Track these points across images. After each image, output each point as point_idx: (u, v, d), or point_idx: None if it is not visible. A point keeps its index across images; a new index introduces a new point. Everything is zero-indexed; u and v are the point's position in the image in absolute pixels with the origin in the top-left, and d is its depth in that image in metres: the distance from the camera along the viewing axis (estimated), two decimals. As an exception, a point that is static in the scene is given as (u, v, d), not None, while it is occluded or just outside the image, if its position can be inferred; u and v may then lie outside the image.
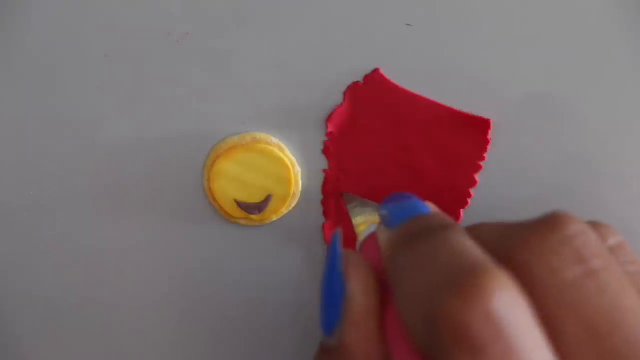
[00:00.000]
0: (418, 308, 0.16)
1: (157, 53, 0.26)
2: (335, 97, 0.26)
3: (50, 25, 0.26)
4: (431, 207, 0.20)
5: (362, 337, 0.17)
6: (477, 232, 0.18)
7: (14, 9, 0.26)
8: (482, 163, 0.26)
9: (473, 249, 0.16)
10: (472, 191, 0.27)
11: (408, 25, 0.26)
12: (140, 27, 0.26)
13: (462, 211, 0.26)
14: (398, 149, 0.26)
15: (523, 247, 0.16)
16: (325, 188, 0.27)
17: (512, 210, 0.26)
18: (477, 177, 0.26)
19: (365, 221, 0.27)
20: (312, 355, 0.28)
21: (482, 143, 0.26)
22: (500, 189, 0.27)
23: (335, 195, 0.27)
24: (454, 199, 0.26)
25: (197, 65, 0.26)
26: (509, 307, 0.15)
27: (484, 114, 0.26)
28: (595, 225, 0.18)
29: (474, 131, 0.26)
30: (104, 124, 0.27)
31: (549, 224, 0.17)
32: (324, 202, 0.27)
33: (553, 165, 0.26)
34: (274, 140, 0.26)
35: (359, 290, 0.18)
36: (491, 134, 0.26)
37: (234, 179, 0.26)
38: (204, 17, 0.26)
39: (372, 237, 0.20)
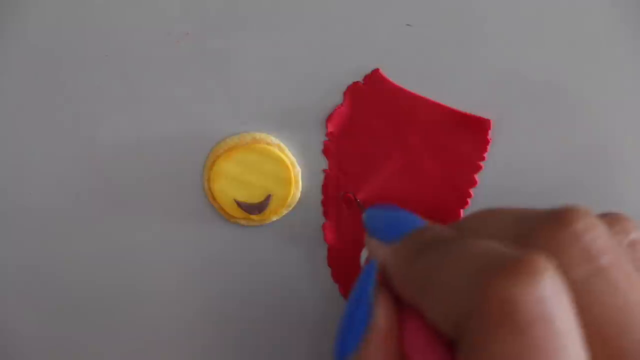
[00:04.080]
0: (452, 300, 0.15)
1: (156, 53, 0.26)
2: (335, 97, 0.26)
3: (50, 25, 0.26)
4: (424, 220, 0.20)
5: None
6: (485, 225, 0.18)
7: (14, 9, 0.26)
8: (482, 163, 0.26)
9: (500, 245, 0.16)
10: (472, 191, 0.26)
11: (408, 25, 0.26)
12: (140, 27, 0.26)
13: (462, 211, 0.26)
14: (398, 149, 0.26)
15: (531, 245, 0.16)
16: (325, 188, 0.27)
17: (512, 210, 0.26)
18: (477, 177, 0.26)
19: None
20: (311, 354, 0.28)
21: (482, 143, 0.26)
22: (500, 189, 0.27)
23: (335, 195, 0.27)
24: (454, 199, 0.26)
25: (197, 65, 0.26)
26: (555, 292, 0.14)
27: (484, 114, 0.26)
28: (614, 218, 0.18)
29: (474, 131, 0.26)
30: (104, 124, 0.27)
31: (557, 221, 0.16)
32: (324, 202, 0.27)
33: (553, 165, 0.26)
34: (274, 140, 0.26)
35: (383, 315, 0.18)
36: (491, 134, 0.26)
37: (234, 179, 0.26)
38: (204, 17, 0.26)
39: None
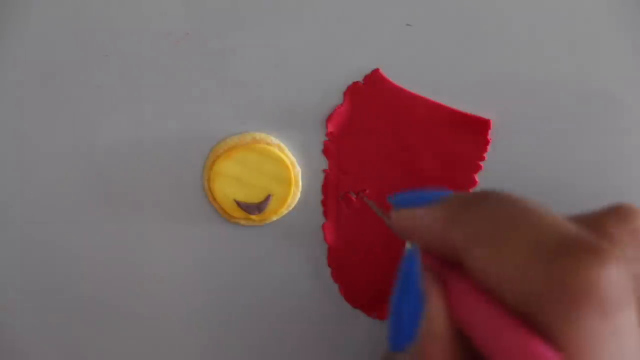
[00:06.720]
0: (525, 265, 0.15)
1: (157, 53, 0.26)
2: (335, 97, 0.26)
3: (50, 26, 0.26)
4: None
5: (441, 350, 0.17)
6: None
7: (15, 9, 0.26)
8: (482, 163, 0.26)
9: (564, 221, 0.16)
10: (472, 191, 0.26)
11: (408, 25, 0.26)
12: (140, 27, 0.26)
13: (462, 211, 0.26)
14: (398, 149, 0.26)
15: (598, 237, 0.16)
16: (325, 188, 0.27)
17: (512, 210, 0.26)
18: (477, 177, 0.26)
19: None
20: (311, 353, 0.28)
21: (482, 143, 0.26)
22: (500, 189, 0.27)
23: (335, 195, 0.27)
24: (454, 199, 0.26)
25: (197, 66, 0.26)
26: (628, 280, 0.15)
27: (484, 114, 0.26)
28: (619, 207, 0.18)
29: (474, 131, 0.26)
30: (104, 123, 0.27)
31: (619, 217, 0.17)
32: (324, 202, 0.27)
33: (553, 165, 0.26)
34: (274, 140, 0.26)
35: (439, 308, 0.17)
36: (491, 134, 0.26)
37: (234, 179, 0.26)
38: (204, 17, 0.26)
39: None
